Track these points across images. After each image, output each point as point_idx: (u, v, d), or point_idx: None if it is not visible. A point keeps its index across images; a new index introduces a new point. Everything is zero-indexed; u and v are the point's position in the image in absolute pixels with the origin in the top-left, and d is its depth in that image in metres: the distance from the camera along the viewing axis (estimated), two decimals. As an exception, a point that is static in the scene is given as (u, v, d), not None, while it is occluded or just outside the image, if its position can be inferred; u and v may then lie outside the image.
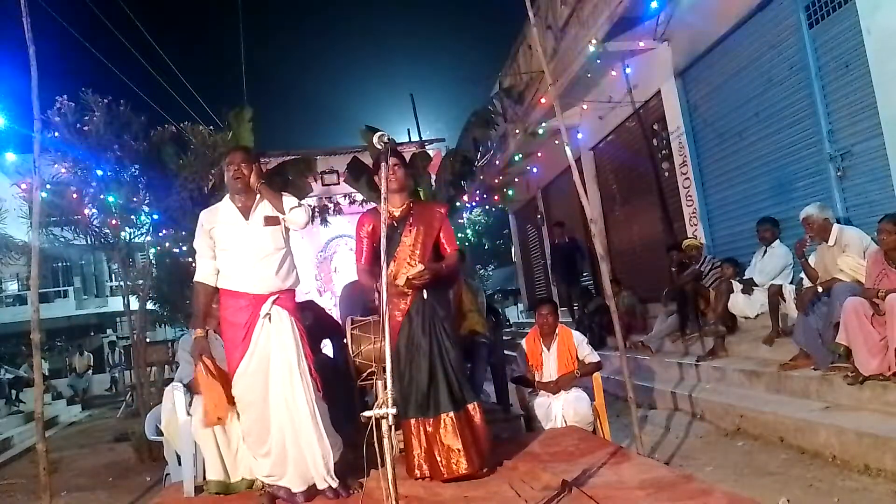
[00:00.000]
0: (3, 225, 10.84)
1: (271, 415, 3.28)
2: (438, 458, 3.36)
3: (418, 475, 3.42)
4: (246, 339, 3.29)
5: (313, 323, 4.97)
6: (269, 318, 3.32)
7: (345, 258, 8.80)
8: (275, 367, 3.29)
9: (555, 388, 4.77)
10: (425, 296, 3.51)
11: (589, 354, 4.94)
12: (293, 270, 3.50)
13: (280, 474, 3.32)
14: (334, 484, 3.27)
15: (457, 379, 3.47)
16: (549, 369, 4.87)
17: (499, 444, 4.10)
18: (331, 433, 3.33)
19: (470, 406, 3.49)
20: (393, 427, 2.19)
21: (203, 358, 3.38)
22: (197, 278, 3.46)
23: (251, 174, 3.44)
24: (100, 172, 7.48)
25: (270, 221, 3.43)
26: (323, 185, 8.76)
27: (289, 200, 3.45)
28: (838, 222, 5.25)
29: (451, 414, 3.38)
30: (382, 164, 2.74)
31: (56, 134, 7.25)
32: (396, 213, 3.62)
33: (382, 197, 2.64)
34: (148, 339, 9.89)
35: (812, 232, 5.14)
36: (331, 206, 8.92)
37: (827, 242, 5.07)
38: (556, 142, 10.18)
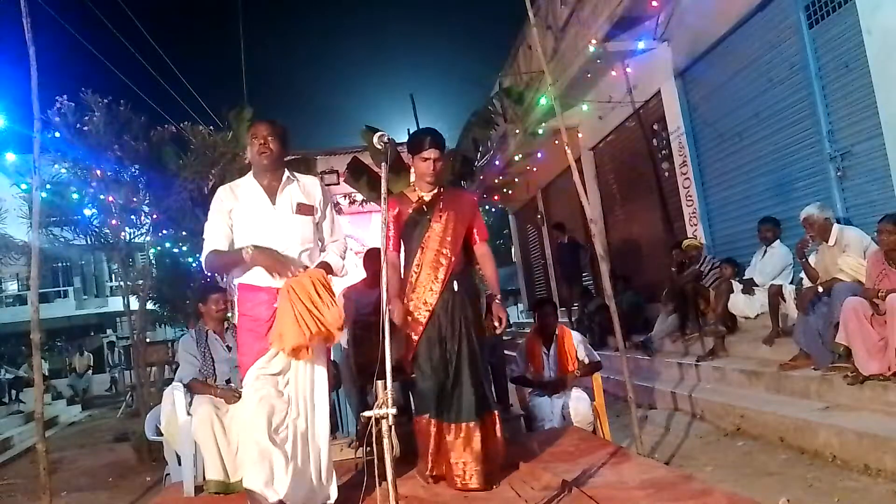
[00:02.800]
0: (3, 225, 10.85)
1: (281, 420, 2.86)
2: (454, 467, 3.15)
3: (431, 481, 3.24)
4: (269, 334, 2.90)
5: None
6: None
7: (345, 258, 8.78)
8: (295, 371, 2.91)
9: (554, 388, 4.77)
10: (455, 288, 3.24)
11: (589, 355, 4.94)
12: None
13: (270, 486, 2.76)
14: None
15: (483, 385, 3.23)
16: (549, 369, 4.87)
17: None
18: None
19: (493, 415, 3.26)
20: (393, 427, 2.19)
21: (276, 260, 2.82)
22: (208, 248, 2.97)
23: (279, 149, 3.00)
24: (100, 172, 7.49)
25: (304, 210, 3.02)
26: (323, 185, 8.74)
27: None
28: (838, 222, 5.25)
29: (474, 423, 3.15)
30: (383, 164, 2.70)
31: (56, 134, 7.25)
32: (427, 199, 3.36)
33: (382, 197, 2.62)
34: (148, 339, 9.90)
35: (813, 232, 5.13)
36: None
37: (827, 243, 5.07)
38: (556, 142, 10.18)
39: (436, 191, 3.38)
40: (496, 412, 3.31)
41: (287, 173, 3.04)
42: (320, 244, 3.14)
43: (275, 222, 2.96)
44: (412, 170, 3.45)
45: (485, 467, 3.14)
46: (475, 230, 3.42)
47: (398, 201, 3.37)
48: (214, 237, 2.99)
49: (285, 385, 2.92)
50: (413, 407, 3.56)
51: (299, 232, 3.00)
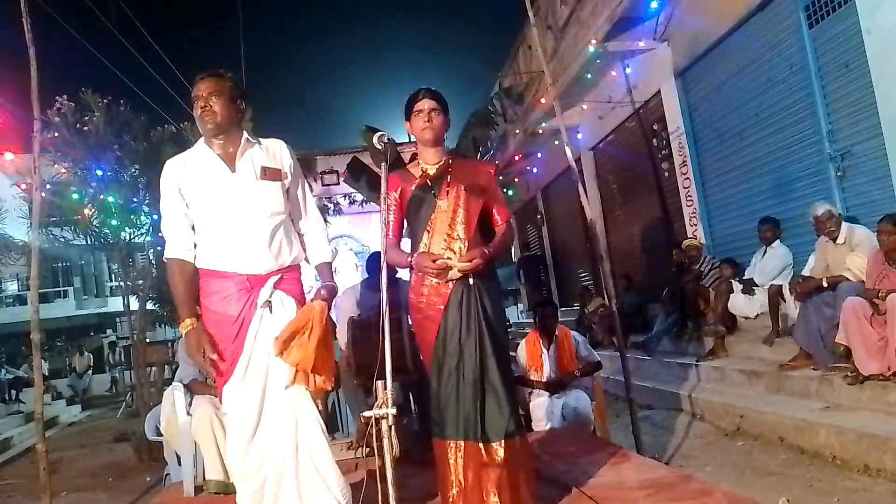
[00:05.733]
0: (3, 225, 10.86)
1: (268, 439, 2.46)
2: (484, 496, 2.58)
3: None
4: (239, 337, 2.45)
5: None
6: (270, 308, 2.48)
7: (345, 259, 8.81)
8: (276, 375, 2.46)
9: (554, 388, 4.77)
10: (471, 282, 2.68)
11: (588, 355, 4.95)
12: (294, 241, 2.63)
13: None
14: None
15: (510, 400, 2.67)
16: (549, 369, 4.88)
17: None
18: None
19: (521, 433, 2.71)
20: (393, 427, 2.18)
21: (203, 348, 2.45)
22: (169, 255, 2.55)
23: (226, 109, 2.53)
24: (100, 172, 7.49)
25: (270, 174, 2.55)
26: (323, 185, 8.77)
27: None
28: (839, 222, 5.24)
29: (504, 442, 2.60)
30: (382, 165, 2.66)
31: (56, 134, 7.25)
32: (431, 172, 2.82)
33: (382, 197, 2.62)
34: (148, 339, 9.90)
35: (832, 226, 5.04)
36: (331, 206, 8.92)
37: (836, 240, 5.05)
38: (556, 142, 10.20)
39: (441, 161, 2.85)
40: (524, 428, 2.86)
41: (246, 135, 2.58)
42: (294, 217, 2.72)
43: (236, 191, 2.49)
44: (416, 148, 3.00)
45: (521, 494, 2.60)
46: (494, 209, 2.85)
47: (400, 179, 2.83)
48: (173, 235, 2.55)
49: (271, 394, 2.47)
50: (430, 427, 2.95)
51: (267, 200, 2.52)
